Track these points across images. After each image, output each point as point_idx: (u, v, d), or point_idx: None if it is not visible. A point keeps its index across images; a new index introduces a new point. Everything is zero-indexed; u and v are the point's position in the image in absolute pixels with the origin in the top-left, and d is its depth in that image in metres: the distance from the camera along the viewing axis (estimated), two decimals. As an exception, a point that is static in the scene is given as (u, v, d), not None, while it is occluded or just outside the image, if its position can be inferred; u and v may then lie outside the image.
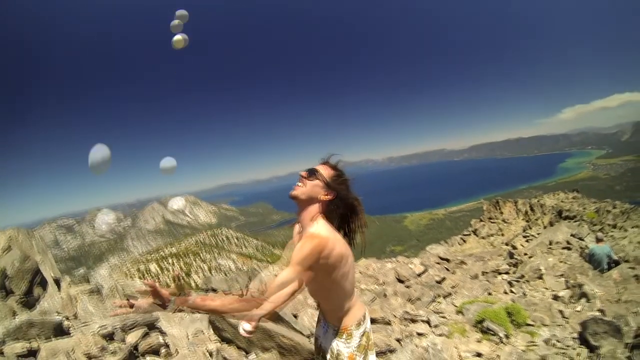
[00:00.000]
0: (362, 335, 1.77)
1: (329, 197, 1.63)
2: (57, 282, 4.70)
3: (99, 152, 1.72)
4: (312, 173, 1.65)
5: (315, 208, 1.63)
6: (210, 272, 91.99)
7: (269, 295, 1.42)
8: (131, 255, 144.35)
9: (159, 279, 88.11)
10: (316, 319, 2.00)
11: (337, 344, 1.73)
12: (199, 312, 1.39)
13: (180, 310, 1.35)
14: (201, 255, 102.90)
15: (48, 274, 4.58)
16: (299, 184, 1.65)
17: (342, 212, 1.68)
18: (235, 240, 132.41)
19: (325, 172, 1.66)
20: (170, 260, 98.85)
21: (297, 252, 1.47)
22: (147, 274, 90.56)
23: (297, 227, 1.84)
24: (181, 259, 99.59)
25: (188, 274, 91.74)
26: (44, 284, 4.36)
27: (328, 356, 1.78)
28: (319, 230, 1.57)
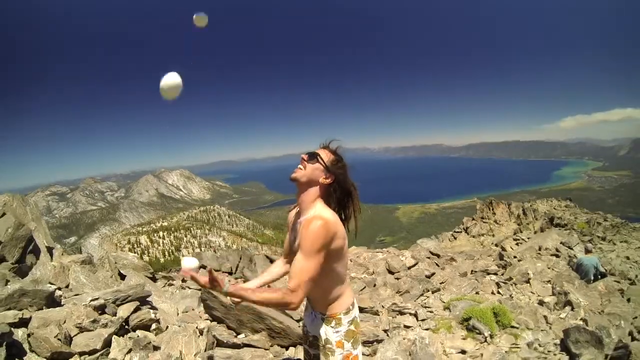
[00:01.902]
0: (351, 322, 1.79)
1: (328, 180, 1.65)
2: (50, 251, 4.69)
3: (171, 77, 1.74)
4: (313, 156, 1.66)
5: (315, 191, 1.65)
6: (200, 248, 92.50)
7: (295, 287, 1.46)
8: (123, 227, 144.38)
9: (149, 251, 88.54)
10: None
11: (326, 331, 1.75)
12: (243, 301, 1.49)
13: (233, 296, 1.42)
14: (192, 230, 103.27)
15: (41, 242, 4.55)
16: (300, 166, 1.66)
17: (339, 196, 1.69)
18: (227, 217, 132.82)
19: (325, 156, 1.67)
20: (161, 234, 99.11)
21: (308, 237, 1.49)
22: (138, 246, 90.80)
23: (293, 212, 1.84)
24: (172, 233, 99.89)
25: (178, 249, 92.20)
26: (36, 252, 4.34)
27: (317, 344, 1.81)
28: (322, 213, 1.59)
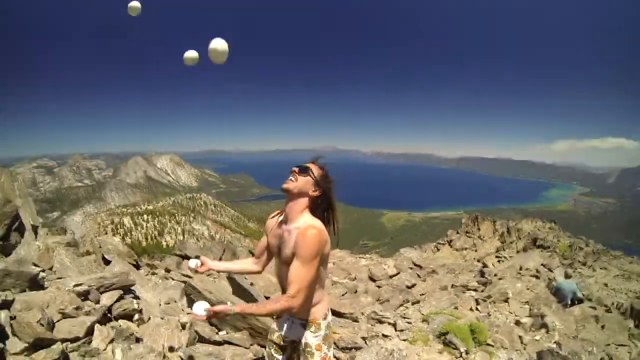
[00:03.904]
0: (328, 327, 1.92)
1: (316, 193, 1.79)
2: (35, 230, 4.63)
3: (220, 42, 2.00)
4: (304, 170, 1.80)
5: (304, 202, 1.78)
6: (184, 235, 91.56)
7: (295, 292, 1.60)
8: (107, 206, 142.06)
9: (131, 234, 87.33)
10: None
11: (306, 335, 1.86)
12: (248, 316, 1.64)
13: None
14: (177, 216, 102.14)
15: (27, 220, 4.49)
16: (292, 178, 1.79)
17: (324, 208, 1.84)
18: (213, 207, 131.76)
19: (315, 170, 1.81)
20: (145, 217, 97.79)
21: (306, 246, 1.63)
22: (121, 227, 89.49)
23: (274, 218, 1.96)
24: (156, 217, 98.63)
25: (161, 234, 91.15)
26: (21, 230, 4.28)
27: (297, 349, 1.91)
28: (314, 222, 1.74)
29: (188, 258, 8.41)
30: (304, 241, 1.63)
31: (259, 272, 2.12)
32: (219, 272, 1.91)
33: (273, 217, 1.97)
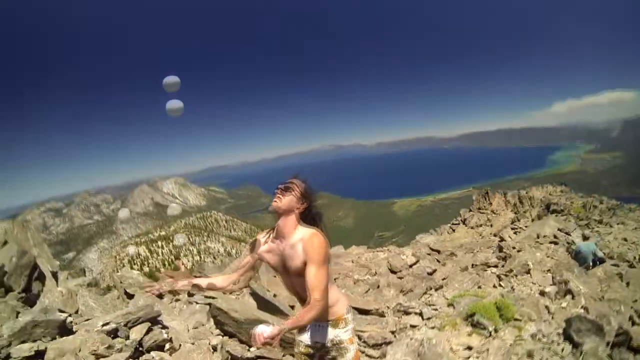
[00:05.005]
0: (353, 319, 2.05)
1: (303, 207, 1.92)
2: (55, 275, 4.71)
3: (175, 102, 2.27)
4: (288, 187, 1.92)
5: (294, 217, 1.90)
6: (200, 255, 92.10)
7: (321, 296, 1.70)
8: (120, 239, 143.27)
9: (148, 262, 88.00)
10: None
11: (337, 333, 1.95)
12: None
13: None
14: (190, 238, 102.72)
15: (45, 267, 4.57)
16: (278, 197, 1.90)
17: (312, 218, 1.97)
18: (225, 223, 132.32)
19: (298, 186, 1.93)
20: (159, 244, 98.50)
21: (317, 252, 1.76)
22: (137, 257, 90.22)
23: (262, 237, 2.08)
24: (170, 242, 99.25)
25: (177, 257, 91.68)
26: (41, 278, 4.36)
27: (330, 350, 1.97)
28: (313, 230, 1.86)
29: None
30: (313, 248, 1.76)
31: (222, 288, 2.14)
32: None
33: (263, 237, 2.08)
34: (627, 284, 5.44)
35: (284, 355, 3.77)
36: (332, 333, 1.96)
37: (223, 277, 2.17)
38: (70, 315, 3.41)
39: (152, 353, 3.19)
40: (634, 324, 4.23)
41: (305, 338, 2.05)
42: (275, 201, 1.89)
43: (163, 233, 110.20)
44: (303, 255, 1.79)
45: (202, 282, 2.11)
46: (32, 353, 2.51)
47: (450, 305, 5.68)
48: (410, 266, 8.69)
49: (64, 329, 3.11)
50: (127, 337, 3.29)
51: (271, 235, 2.01)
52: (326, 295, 1.75)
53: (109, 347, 2.87)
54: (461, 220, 19.35)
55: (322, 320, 1.98)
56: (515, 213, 17.20)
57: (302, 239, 1.82)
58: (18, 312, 3.21)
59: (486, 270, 7.44)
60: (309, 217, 1.96)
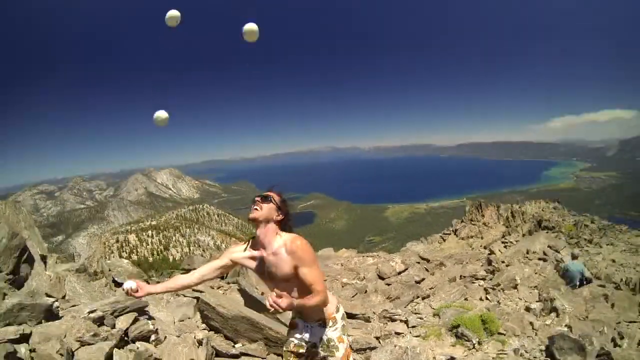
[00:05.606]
0: (343, 317, 2.14)
1: (280, 217, 2.01)
2: (44, 259, 4.68)
3: (162, 113, 2.43)
4: (266, 198, 2.00)
5: (273, 226, 1.98)
6: (189, 248, 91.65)
7: (321, 288, 1.84)
8: (111, 225, 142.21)
9: (137, 250, 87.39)
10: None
11: (326, 332, 2.04)
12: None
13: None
14: (181, 229, 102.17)
15: (35, 250, 4.54)
16: (257, 207, 1.98)
17: (290, 226, 2.07)
18: (216, 217, 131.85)
19: (275, 197, 2.03)
20: (149, 233, 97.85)
21: (305, 253, 1.88)
22: (126, 245, 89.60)
23: (240, 247, 2.11)
24: (161, 232, 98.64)
25: (167, 248, 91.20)
26: (30, 261, 4.33)
27: (319, 349, 2.05)
28: (293, 235, 1.98)
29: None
30: (301, 251, 1.87)
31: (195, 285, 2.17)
32: (158, 294, 2.22)
33: (242, 245, 2.12)
34: (612, 305, 5.52)
35: (268, 354, 3.79)
36: (322, 332, 2.04)
37: (190, 275, 2.11)
38: (57, 300, 3.39)
39: (137, 343, 3.18)
40: (616, 345, 4.30)
41: (296, 337, 2.11)
42: (255, 209, 1.97)
43: (154, 222, 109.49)
44: (291, 259, 1.87)
45: (158, 288, 2.08)
46: (17, 336, 2.49)
47: (436, 315, 5.73)
48: (399, 273, 8.72)
49: (50, 314, 3.10)
50: (113, 326, 3.28)
51: (250, 244, 2.08)
52: (326, 288, 1.87)
53: (95, 334, 2.87)
54: (452, 231, 19.48)
55: (311, 320, 2.07)
56: (507, 227, 17.33)
57: (284, 244, 1.91)
58: (5, 294, 3.20)
59: (474, 283, 7.50)
60: (286, 228, 2.04)
